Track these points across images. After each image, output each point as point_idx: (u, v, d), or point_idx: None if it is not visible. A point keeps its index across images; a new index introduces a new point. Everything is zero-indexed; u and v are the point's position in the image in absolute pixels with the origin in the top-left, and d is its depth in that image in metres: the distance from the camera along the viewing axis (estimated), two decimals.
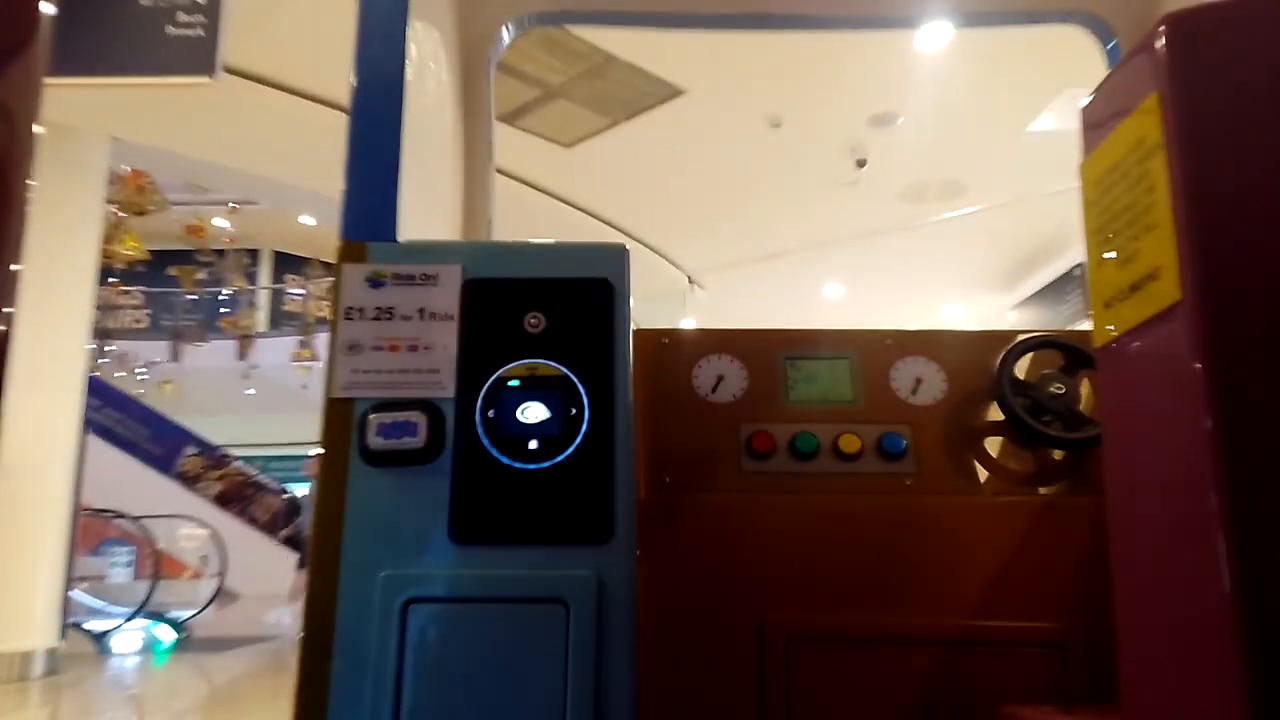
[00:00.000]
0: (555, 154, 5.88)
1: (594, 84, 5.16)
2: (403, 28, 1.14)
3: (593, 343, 1.01)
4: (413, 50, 1.15)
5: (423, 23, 1.23)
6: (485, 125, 1.55)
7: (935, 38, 4.67)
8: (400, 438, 0.96)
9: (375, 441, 0.96)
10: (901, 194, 6.74)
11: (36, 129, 0.56)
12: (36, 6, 0.56)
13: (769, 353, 1.38)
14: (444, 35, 1.39)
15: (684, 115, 5.47)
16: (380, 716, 0.88)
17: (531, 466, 0.96)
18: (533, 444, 0.97)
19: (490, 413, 0.98)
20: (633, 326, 1.05)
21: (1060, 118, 5.43)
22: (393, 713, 0.89)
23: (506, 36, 1.58)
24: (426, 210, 1.22)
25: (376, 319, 1.01)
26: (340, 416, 0.98)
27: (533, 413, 0.98)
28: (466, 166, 1.54)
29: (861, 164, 6.13)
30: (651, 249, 7.38)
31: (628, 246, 1.08)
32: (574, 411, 0.98)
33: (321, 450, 0.98)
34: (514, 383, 0.99)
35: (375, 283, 1.02)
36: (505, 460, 0.96)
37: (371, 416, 0.97)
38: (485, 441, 0.97)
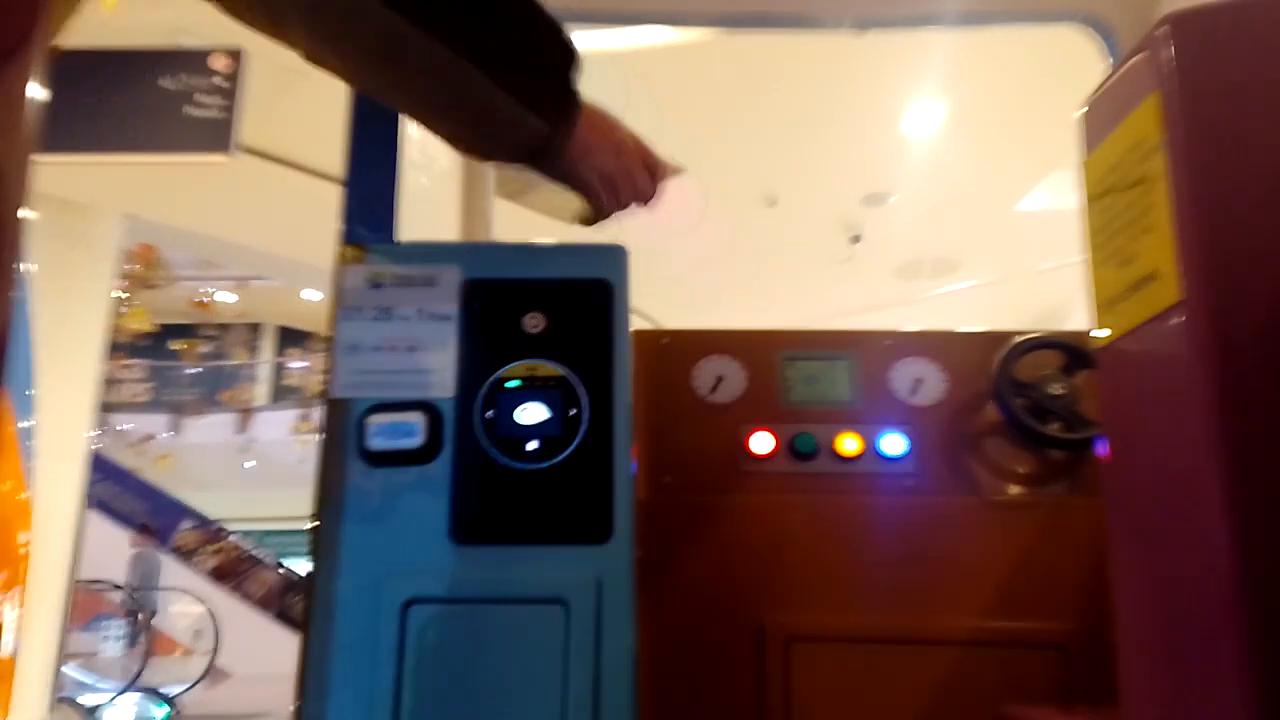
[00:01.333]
0: (556, 231, 5.94)
1: None
2: None
3: (592, 343, 1.01)
4: None
5: None
6: None
7: (924, 119, 4.79)
8: (400, 438, 0.96)
9: (375, 442, 0.96)
10: (896, 270, 6.86)
11: (35, 131, 0.56)
12: (36, 7, 0.56)
13: (768, 353, 1.38)
14: None
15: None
16: (380, 717, 0.88)
17: (531, 467, 0.96)
18: (532, 444, 0.97)
19: (489, 413, 0.98)
20: (632, 327, 1.05)
21: (1048, 197, 5.51)
22: (393, 713, 0.89)
23: None
24: (426, 211, 1.22)
25: (376, 320, 1.01)
26: (340, 417, 0.98)
27: (532, 413, 0.98)
28: (466, 166, 1.54)
29: (856, 240, 6.22)
30: (651, 321, 7.39)
31: (627, 248, 1.08)
32: (573, 412, 0.98)
33: (321, 451, 0.98)
34: (513, 383, 0.99)
35: (375, 284, 1.02)
36: (505, 461, 0.96)
37: (371, 417, 0.97)
38: (485, 442, 0.97)
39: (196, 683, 8.25)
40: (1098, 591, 1.19)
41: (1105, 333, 0.74)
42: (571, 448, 0.97)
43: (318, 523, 0.96)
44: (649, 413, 1.33)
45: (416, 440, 0.96)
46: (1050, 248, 5.72)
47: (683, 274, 6.61)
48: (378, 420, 0.97)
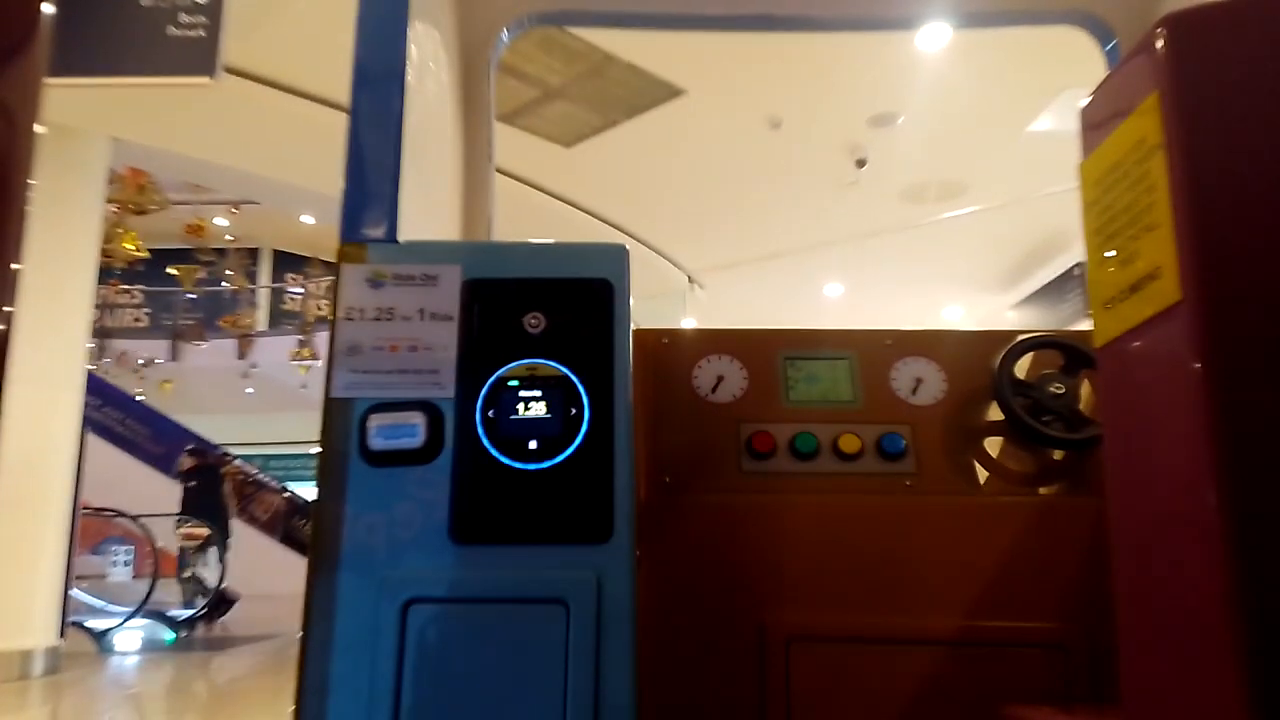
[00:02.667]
0: (555, 154, 5.89)
1: (593, 84, 5.16)
2: (403, 28, 1.14)
3: (593, 343, 1.01)
4: (413, 50, 1.15)
5: (423, 23, 1.23)
6: (485, 125, 1.55)
7: (935, 38, 4.69)
8: (400, 438, 0.96)
9: (375, 442, 0.96)
10: (901, 194, 6.75)
11: (37, 128, 0.56)
12: (36, 6, 0.56)
13: (769, 353, 1.38)
14: (444, 35, 1.39)
15: (684, 115, 5.48)
16: (380, 716, 0.88)
17: (531, 466, 0.96)
18: (533, 444, 0.97)
19: (490, 413, 0.98)
20: (633, 326, 1.05)
21: (1060, 118, 5.44)
22: (393, 713, 0.89)
23: (506, 37, 1.58)
24: (426, 210, 1.22)
25: (376, 319, 1.01)
26: (340, 417, 0.98)
27: (533, 413, 0.98)
28: (466, 166, 1.54)
29: (861, 164, 6.14)
30: (652, 248, 7.38)
31: (628, 246, 1.08)
32: (574, 411, 0.98)
33: (321, 450, 0.98)
34: (514, 383, 0.99)
35: (375, 283, 1.02)
36: (505, 460, 0.96)
37: (372, 417, 0.97)
38: (485, 441, 0.97)
39: (204, 607, 8.29)
40: (1098, 591, 1.19)
41: (1105, 333, 0.74)
42: (572, 447, 0.97)
43: (318, 523, 0.96)
44: (649, 413, 1.33)
45: (417, 440, 0.96)
46: (1059, 171, 5.54)
47: (683, 199, 6.56)
48: (378, 420, 0.97)
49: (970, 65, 4.96)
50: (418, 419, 0.97)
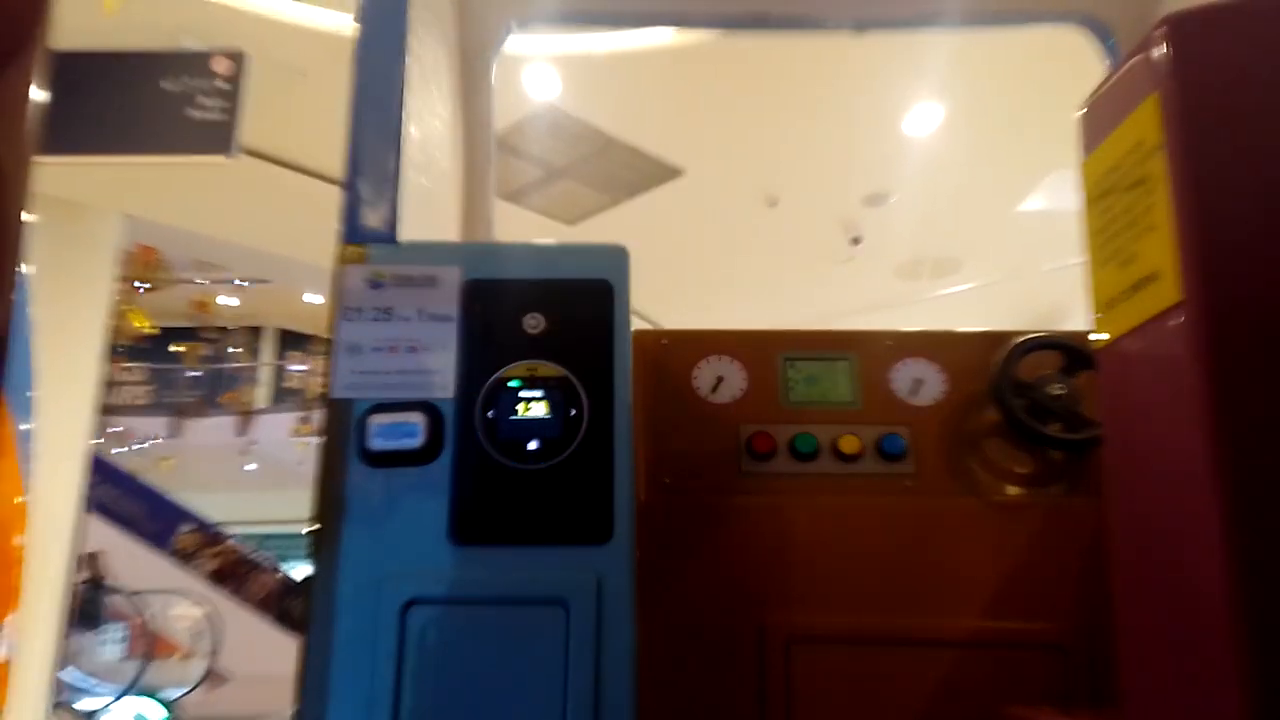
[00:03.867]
0: (558, 231, 6.01)
1: (596, 164, 5.29)
2: (403, 29, 1.14)
3: (592, 344, 1.01)
4: (413, 51, 1.15)
5: (423, 23, 1.23)
6: (485, 126, 1.55)
7: (924, 120, 4.80)
8: (400, 439, 0.96)
9: (375, 442, 0.96)
10: (897, 271, 6.86)
11: (36, 131, 0.56)
12: (37, 8, 0.56)
13: (769, 353, 1.38)
14: (444, 36, 1.39)
15: (683, 194, 5.63)
16: (380, 717, 0.88)
17: (531, 467, 0.96)
18: (532, 445, 0.97)
19: (490, 414, 0.98)
20: (632, 327, 1.05)
21: (1049, 197, 5.53)
22: (393, 713, 0.89)
23: (507, 38, 1.58)
24: (426, 210, 1.22)
25: (376, 320, 1.01)
26: (340, 418, 0.98)
27: (532, 414, 0.98)
28: (466, 167, 1.54)
29: (856, 242, 6.23)
30: (650, 323, 7.41)
31: (627, 249, 1.08)
32: (574, 412, 0.98)
33: (321, 451, 0.98)
34: (514, 383, 0.99)
35: (375, 284, 1.02)
36: (505, 461, 0.96)
37: (371, 418, 0.97)
38: (485, 442, 0.97)
39: (197, 685, 8.25)
40: (1098, 591, 1.19)
41: (1105, 333, 0.74)
42: (572, 448, 0.97)
43: (318, 523, 0.96)
44: (649, 413, 1.33)
45: (417, 441, 0.96)
46: (1051, 248, 5.74)
47: (683, 275, 6.66)
48: (378, 421, 0.97)
49: (959, 147, 5.08)
50: (418, 420, 0.97)
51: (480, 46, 1.55)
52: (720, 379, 1.37)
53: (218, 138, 3.76)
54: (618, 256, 1.05)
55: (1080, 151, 0.78)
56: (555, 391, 0.98)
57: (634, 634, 0.92)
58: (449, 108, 1.43)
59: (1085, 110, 0.78)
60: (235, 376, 15.46)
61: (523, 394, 0.98)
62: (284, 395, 16.13)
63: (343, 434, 0.97)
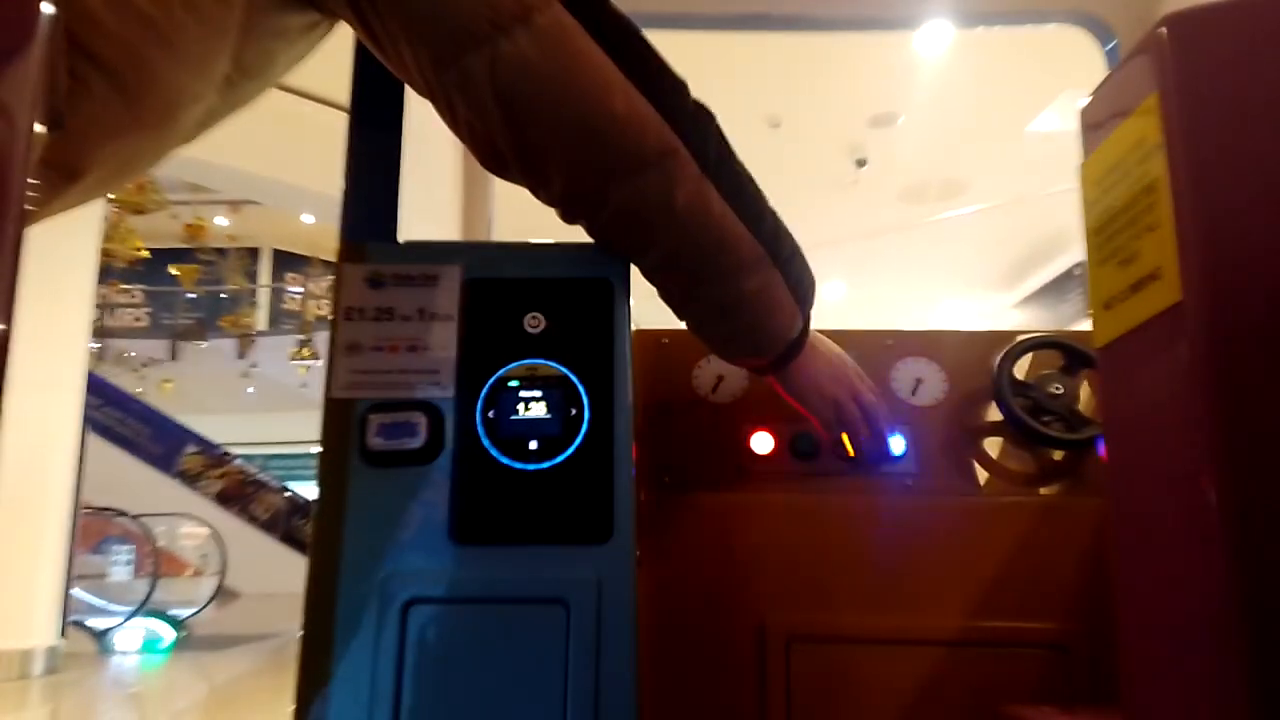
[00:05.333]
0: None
1: None
2: None
3: (593, 343, 1.01)
4: None
5: None
6: None
7: (934, 38, 4.69)
8: (400, 438, 0.96)
9: (375, 442, 0.96)
10: (902, 194, 6.75)
11: (37, 128, 0.56)
12: (36, 6, 0.56)
13: None
14: None
15: None
16: (380, 717, 0.88)
17: (531, 467, 0.96)
18: (533, 444, 0.97)
19: (490, 413, 0.98)
20: (633, 327, 1.05)
21: (1059, 118, 5.44)
22: (393, 713, 0.89)
23: None
24: (426, 210, 1.22)
25: (376, 319, 1.01)
26: (340, 417, 0.98)
27: (533, 413, 0.98)
28: (466, 166, 1.54)
29: (861, 164, 6.14)
30: None
31: None
32: (574, 412, 0.98)
33: (321, 451, 0.98)
34: (514, 383, 0.99)
35: (375, 283, 1.02)
36: (505, 460, 0.96)
37: (371, 417, 0.97)
38: (485, 442, 0.97)
39: (205, 605, 8.31)
40: (1098, 591, 1.19)
41: (1105, 333, 0.74)
42: (572, 448, 0.97)
43: (318, 523, 0.96)
44: (649, 413, 1.33)
45: (417, 440, 0.96)
46: (1059, 170, 5.61)
47: None
48: (378, 420, 0.97)
49: (969, 66, 4.97)
50: (418, 419, 0.97)
51: None
52: (720, 379, 1.37)
53: None
54: (618, 256, 1.05)
55: (1080, 151, 0.78)
56: (555, 391, 0.98)
57: (634, 634, 0.92)
58: None
59: (1085, 109, 0.78)
60: (233, 299, 15.36)
61: (523, 394, 0.98)
62: (282, 317, 16.02)
63: (342, 434, 0.97)
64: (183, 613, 7.92)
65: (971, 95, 5.24)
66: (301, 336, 14.46)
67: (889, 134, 5.75)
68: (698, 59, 4.89)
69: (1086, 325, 0.86)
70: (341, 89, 1.12)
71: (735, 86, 5.23)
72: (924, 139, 5.78)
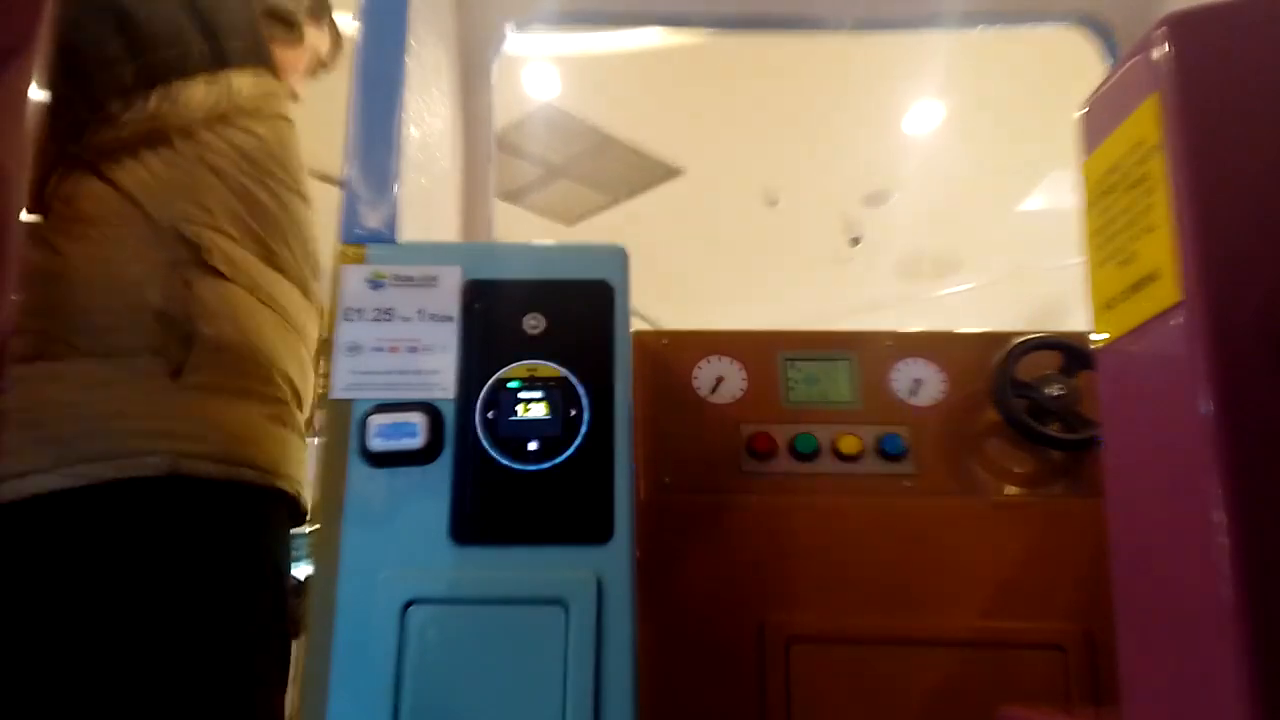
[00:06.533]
0: (557, 232, 5.98)
1: (594, 163, 5.27)
2: (403, 28, 1.14)
3: (592, 344, 1.01)
4: (413, 50, 1.15)
5: (423, 23, 1.23)
6: (485, 126, 1.55)
7: (925, 119, 4.79)
8: (400, 439, 0.96)
9: (375, 443, 0.96)
10: (897, 270, 6.84)
11: (36, 131, 0.56)
12: (36, 6, 0.56)
13: (769, 354, 1.38)
14: (444, 35, 1.39)
15: (683, 194, 5.60)
16: (380, 717, 0.88)
17: (531, 467, 0.96)
18: (532, 445, 0.97)
19: (490, 414, 0.98)
20: (632, 328, 1.05)
21: (1049, 197, 5.52)
22: (393, 713, 0.89)
23: (507, 38, 1.58)
24: (426, 210, 1.22)
25: (376, 320, 1.01)
26: (340, 417, 0.98)
27: (532, 414, 0.98)
28: (466, 167, 1.54)
29: (856, 241, 6.23)
30: (650, 323, 7.38)
31: (627, 249, 1.08)
32: (574, 412, 0.98)
33: (322, 451, 0.98)
34: (514, 384, 0.99)
35: (375, 284, 1.02)
36: (505, 461, 0.96)
37: (371, 417, 0.97)
38: (485, 442, 0.97)
39: None
40: (1098, 591, 1.19)
41: (1105, 333, 0.74)
42: (572, 448, 0.97)
43: (318, 524, 0.96)
44: (649, 413, 1.33)
45: (417, 441, 0.96)
46: (1052, 247, 5.72)
47: (683, 275, 6.66)
48: (378, 421, 0.97)
49: (960, 146, 5.06)
50: (418, 420, 0.97)
51: (480, 46, 1.55)
52: (720, 379, 1.37)
53: None
54: (618, 257, 1.05)
55: (1080, 151, 0.78)
56: (555, 392, 0.98)
57: (634, 634, 0.92)
58: (449, 108, 1.43)
59: (1085, 110, 0.78)
60: None
61: (523, 394, 0.98)
62: None
63: (343, 434, 0.97)
64: None
65: (962, 175, 5.37)
66: None
67: (883, 212, 5.88)
68: (697, 141, 4.96)
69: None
70: (341, 90, 1.12)
71: (734, 166, 5.35)
72: (917, 216, 5.91)
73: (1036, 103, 4.19)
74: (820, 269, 6.74)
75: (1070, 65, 1.57)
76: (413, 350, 1.00)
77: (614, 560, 0.94)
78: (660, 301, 7.00)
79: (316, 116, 1.43)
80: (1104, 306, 0.74)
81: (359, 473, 0.96)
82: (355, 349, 1.00)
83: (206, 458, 1.12)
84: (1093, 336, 0.76)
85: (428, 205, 1.24)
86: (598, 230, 5.98)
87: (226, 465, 1.15)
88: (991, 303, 7.29)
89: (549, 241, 1.08)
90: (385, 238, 1.06)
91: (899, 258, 6.61)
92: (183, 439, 1.11)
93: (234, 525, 1.17)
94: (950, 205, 5.79)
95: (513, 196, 5.49)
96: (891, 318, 7.58)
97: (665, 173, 5.36)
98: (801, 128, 4.93)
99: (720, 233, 6.25)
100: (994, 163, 5.20)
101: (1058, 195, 5.38)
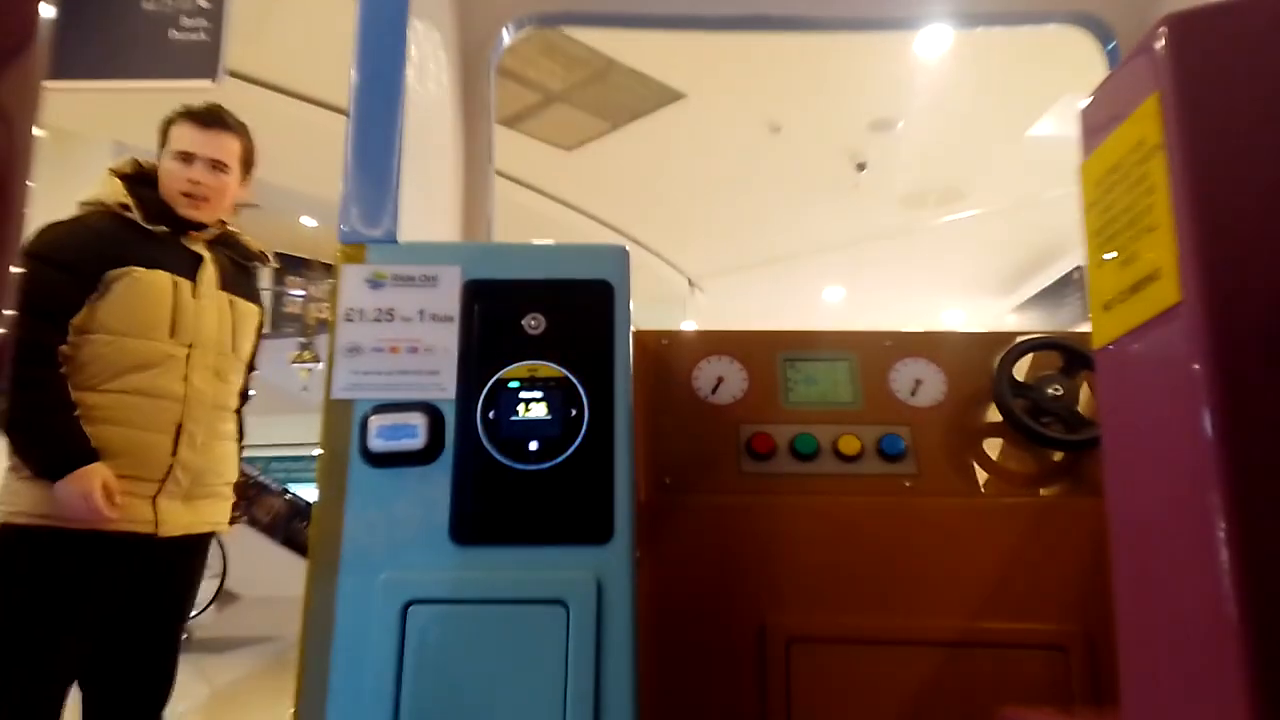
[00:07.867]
0: (556, 157, 5.88)
1: (595, 88, 5.17)
2: (403, 28, 1.14)
3: (592, 344, 1.01)
4: (413, 50, 1.16)
5: (423, 23, 1.23)
6: (485, 126, 1.55)
7: (934, 42, 4.67)
8: (401, 439, 0.96)
9: (376, 443, 0.96)
10: (901, 199, 6.73)
11: (36, 131, 0.56)
12: (36, 7, 0.56)
13: (769, 354, 1.38)
14: (444, 36, 1.39)
15: (684, 119, 5.47)
16: (380, 717, 0.88)
17: (532, 467, 0.96)
18: (533, 445, 0.97)
19: (490, 414, 0.98)
20: (632, 328, 1.05)
21: (1059, 122, 5.43)
22: (393, 714, 0.89)
23: (507, 37, 1.58)
24: (426, 210, 1.22)
25: (377, 320, 1.01)
26: (341, 418, 0.98)
27: (533, 414, 0.98)
28: (466, 167, 1.54)
29: (861, 168, 6.13)
30: (652, 252, 7.35)
31: (629, 249, 1.08)
32: (574, 412, 0.98)
33: (322, 451, 0.98)
34: (514, 384, 0.99)
35: (375, 284, 1.02)
36: (505, 461, 0.96)
37: (372, 418, 0.97)
38: (485, 442, 0.97)
39: (206, 608, 8.28)
40: (1098, 591, 1.19)
41: (1105, 333, 0.74)
42: (572, 448, 0.97)
43: (318, 524, 0.96)
44: (649, 413, 1.33)
45: (418, 441, 0.96)
46: (1058, 175, 5.52)
47: (683, 202, 6.55)
48: (379, 421, 0.97)
49: (969, 70, 4.95)
50: (418, 420, 0.97)
51: (480, 46, 1.55)
52: (720, 379, 1.37)
53: (201, 61, 3.58)
54: (618, 257, 1.05)
55: (1080, 152, 0.78)
56: (555, 392, 0.98)
57: (634, 634, 0.92)
58: (449, 107, 1.43)
59: (1085, 110, 0.78)
60: None
61: (523, 394, 0.98)
62: (283, 320, 15.96)
63: (343, 434, 0.97)
64: None
65: (970, 100, 5.22)
66: (303, 339, 14.45)
67: (889, 139, 5.73)
68: (700, 65, 4.88)
69: (1085, 328, 0.86)
70: (342, 92, 1.12)
71: (736, 92, 5.22)
72: (923, 144, 5.76)
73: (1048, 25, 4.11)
74: (825, 196, 6.60)
75: None
76: (413, 350, 1.00)
77: (614, 560, 0.94)
78: (660, 232, 6.86)
79: (317, 120, 1.42)
80: (1104, 307, 0.74)
81: (360, 473, 0.96)
82: (355, 350, 1.00)
83: None
84: (1092, 337, 0.76)
85: (428, 205, 1.24)
86: (598, 156, 5.85)
87: None
88: (996, 232, 7.16)
89: (549, 242, 1.08)
90: (385, 238, 1.06)
91: (905, 186, 6.48)
92: None
93: None
94: (958, 132, 5.64)
95: (509, 122, 5.34)
96: (894, 246, 7.47)
97: (667, 97, 5.22)
98: (806, 51, 4.73)
99: (722, 159, 6.12)
100: (1004, 85, 5.04)
101: (1067, 121, 5.23)
